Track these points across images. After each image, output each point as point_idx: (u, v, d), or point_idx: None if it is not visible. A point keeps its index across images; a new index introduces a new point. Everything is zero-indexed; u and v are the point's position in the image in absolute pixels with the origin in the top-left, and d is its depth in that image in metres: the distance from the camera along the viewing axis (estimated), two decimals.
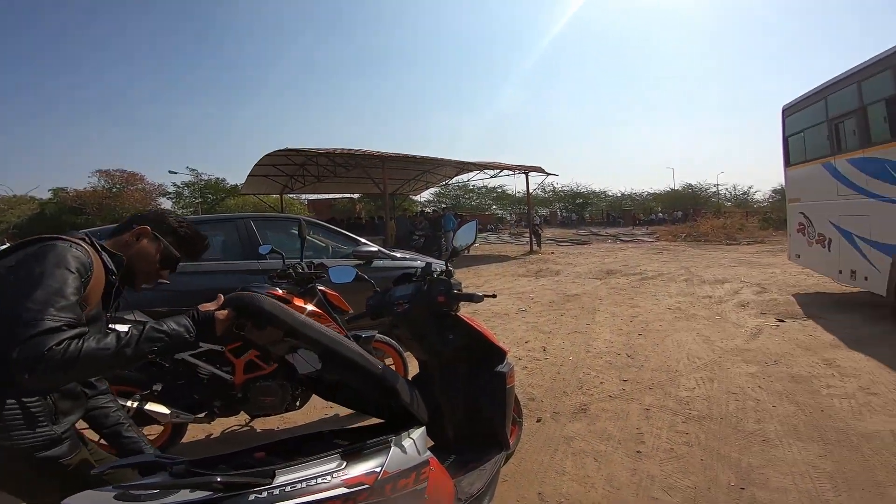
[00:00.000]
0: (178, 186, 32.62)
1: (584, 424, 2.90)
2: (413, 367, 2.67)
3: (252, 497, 1.08)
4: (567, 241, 20.80)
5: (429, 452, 1.48)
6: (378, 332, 3.20)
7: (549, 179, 21.04)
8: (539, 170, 16.82)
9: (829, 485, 2.18)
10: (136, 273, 1.37)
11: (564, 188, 44.59)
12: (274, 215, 8.21)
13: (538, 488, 2.25)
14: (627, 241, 20.47)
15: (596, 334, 4.92)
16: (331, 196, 26.91)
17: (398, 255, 5.07)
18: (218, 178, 33.15)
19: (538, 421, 2.97)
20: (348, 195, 28.48)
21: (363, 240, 5.04)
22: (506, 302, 6.96)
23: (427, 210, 21.75)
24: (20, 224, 29.99)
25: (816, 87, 6.17)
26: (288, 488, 1.12)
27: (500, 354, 2.06)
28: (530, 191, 18.16)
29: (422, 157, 14.75)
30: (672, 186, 45.75)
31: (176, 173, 29.79)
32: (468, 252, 15.50)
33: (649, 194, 46.51)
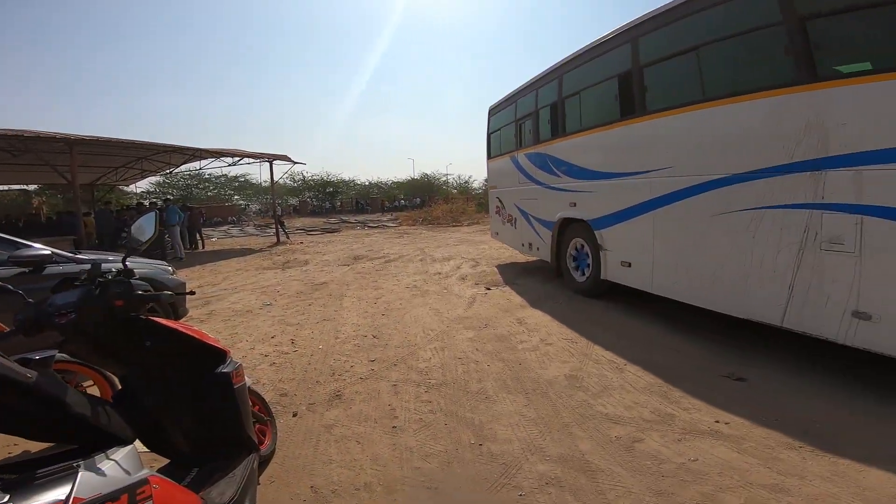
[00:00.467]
0: None
1: (340, 410, 2.94)
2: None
3: None
4: (317, 230, 20.66)
5: (146, 470, 1.33)
6: (59, 353, 2.50)
7: (298, 168, 20.40)
8: (285, 158, 16.04)
9: (536, 431, 2.57)
10: None
11: (314, 177, 44.02)
12: None
13: (309, 482, 2.21)
14: (374, 227, 21.76)
15: (344, 319, 5.06)
16: None
17: (88, 257, 4.03)
18: None
19: (294, 415, 2.89)
20: (19, 187, 21.05)
21: (32, 243, 3.79)
22: (249, 298, 6.44)
23: (144, 202, 17.97)
24: None
25: (512, 91, 7.50)
26: None
27: (218, 355, 1.90)
28: (276, 179, 17.17)
29: (131, 142, 11.99)
30: (412, 175, 50.71)
31: None
32: (203, 246, 13.62)
33: (393, 183, 50.39)
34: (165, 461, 1.76)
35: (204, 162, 16.92)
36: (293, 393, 3.23)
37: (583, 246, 5.70)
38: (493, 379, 3.34)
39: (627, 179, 4.63)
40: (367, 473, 2.30)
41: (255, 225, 26.07)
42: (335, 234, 18.95)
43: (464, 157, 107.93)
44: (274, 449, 2.36)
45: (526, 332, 4.40)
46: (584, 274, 5.73)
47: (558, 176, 6.01)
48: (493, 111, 8.42)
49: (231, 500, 1.63)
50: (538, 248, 6.85)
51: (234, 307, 5.88)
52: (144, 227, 1.86)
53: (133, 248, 1.81)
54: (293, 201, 42.64)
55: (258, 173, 46.11)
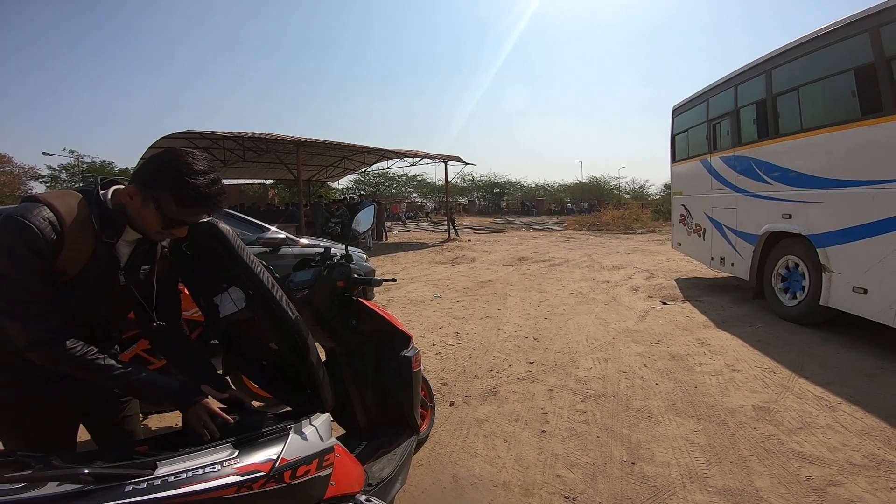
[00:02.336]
0: (55, 170, 28.60)
1: (494, 407, 3.01)
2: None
3: (129, 488, 1.02)
4: (484, 229, 21.45)
5: (334, 439, 1.47)
6: None
7: (468, 169, 21.58)
8: (458, 159, 17.06)
9: (703, 459, 2.37)
10: (145, 233, 1.20)
11: (483, 178, 45.82)
12: None
13: (452, 470, 2.32)
14: (539, 229, 21.60)
15: (506, 319, 5.15)
16: (240, 182, 25.09)
17: (305, 241, 4.91)
18: (104, 162, 29.56)
19: (451, 405, 3.04)
20: (260, 181, 26.78)
21: (272, 227, 4.80)
22: (422, 289, 7.02)
23: (346, 197, 21.15)
24: None
25: (702, 89, 6.76)
26: (171, 478, 1.07)
27: (404, 339, 2.08)
28: (449, 179, 18.40)
29: (339, 144, 14.25)
30: (580, 179, 48.96)
31: (52, 155, 26.03)
32: (386, 238, 15.37)
33: (560, 185, 49.36)
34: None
35: (390, 161, 19.07)
36: (453, 383, 3.39)
37: (797, 265, 4.75)
38: (661, 398, 3.07)
39: (873, 189, 3.67)
40: (507, 472, 2.31)
41: (429, 221, 28.32)
42: (500, 234, 19.41)
43: (638, 160, 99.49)
44: (429, 434, 2.51)
45: (708, 355, 3.89)
46: (795, 297, 4.78)
47: (767, 183, 5.09)
48: (679, 111, 7.60)
49: (389, 476, 1.76)
50: (732, 264, 5.92)
51: (409, 296, 6.49)
52: (363, 220, 2.13)
53: (353, 237, 2.09)
54: (462, 200, 45.10)
55: (433, 173, 49.95)
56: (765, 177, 5.15)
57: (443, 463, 2.39)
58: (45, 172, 28.62)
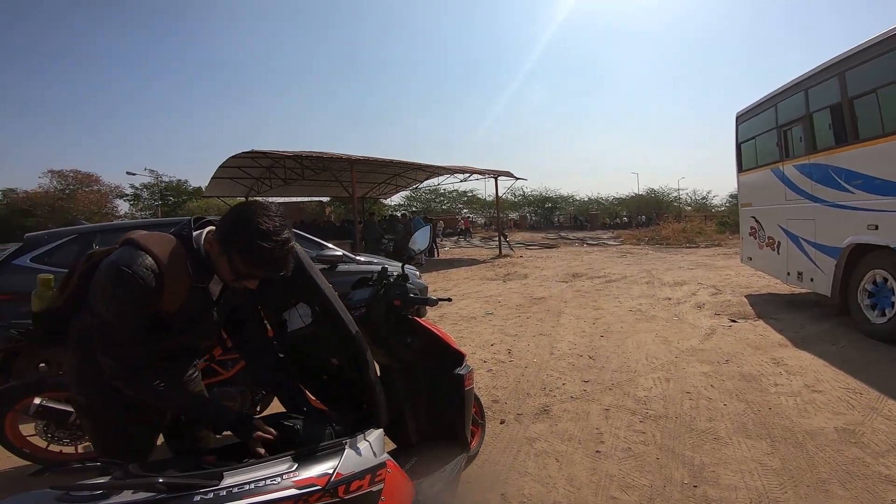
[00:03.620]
0: (137, 188, 31.48)
1: (546, 425, 2.94)
2: None
3: (197, 498, 1.07)
4: (536, 245, 21.14)
5: (386, 455, 1.49)
6: None
7: (519, 184, 21.43)
8: (508, 174, 17.03)
9: (777, 482, 2.25)
10: (222, 279, 1.30)
11: (534, 192, 45.32)
12: None
13: (501, 489, 2.27)
14: (594, 244, 21.00)
15: (560, 336, 5.01)
16: (299, 199, 26.39)
17: (362, 259, 5.04)
18: (180, 180, 32.17)
19: (501, 423, 3.00)
20: (317, 199, 28.03)
21: (329, 245, 4.98)
22: (473, 305, 7.00)
23: (397, 214, 21.65)
24: None
25: (767, 95, 6.41)
26: (235, 489, 1.12)
27: (458, 357, 2.08)
28: (500, 195, 18.36)
29: (391, 161, 14.66)
30: (636, 191, 47.21)
31: (134, 174, 28.65)
32: (437, 255, 15.52)
33: (615, 199, 47.84)
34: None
35: (441, 178, 19.35)
36: (504, 401, 3.34)
37: (886, 280, 4.33)
38: (729, 420, 2.90)
39: None
40: (558, 492, 2.23)
41: (480, 237, 28.33)
42: (553, 249, 19.06)
43: (698, 170, 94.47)
44: (478, 451, 2.47)
45: (784, 375, 3.62)
46: (884, 314, 4.37)
47: (849, 192, 4.69)
48: (743, 118, 7.21)
49: (438, 493, 1.76)
50: (812, 279, 5.45)
51: (461, 312, 6.49)
52: (419, 240, 2.19)
53: (410, 256, 2.15)
54: (513, 215, 44.78)
55: (483, 189, 50.18)
56: (846, 185, 4.74)
57: (491, 481, 2.35)
58: (129, 191, 31.53)
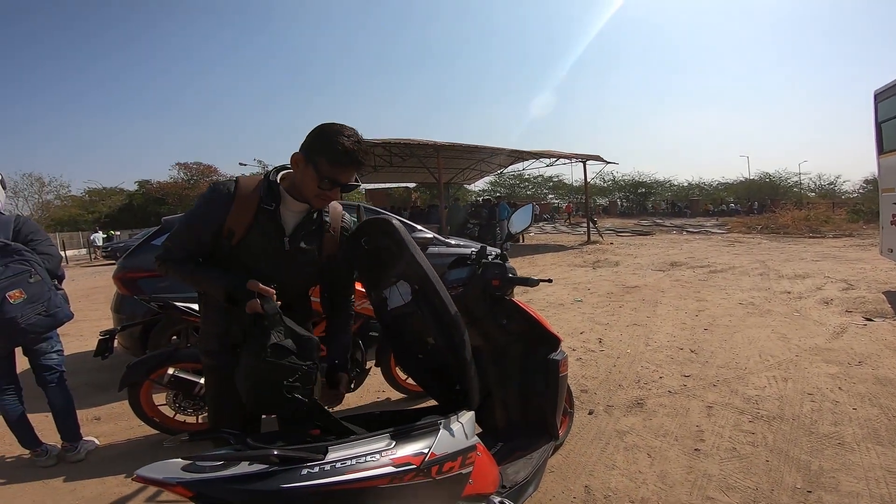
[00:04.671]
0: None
1: (639, 419, 2.80)
2: None
3: (304, 471, 1.11)
4: (627, 231, 19.97)
5: (476, 438, 1.48)
6: None
7: (609, 168, 20.19)
8: (597, 158, 16.20)
9: None
10: (307, 199, 1.39)
11: (625, 177, 42.65)
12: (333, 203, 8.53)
13: (585, 481, 2.21)
14: (695, 232, 19.31)
15: (657, 328, 4.71)
16: (388, 185, 27.43)
17: (453, 241, 5.10)
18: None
19: (590, 413, 2.90)
20: (405, 184, 28.89)
21: (419, 227, 5.11)
22: (561, 292, 6.81)
23: (482, 199, 21.64)
24: (112, 214, 33.19)
25: None
26: (338, 464, 1.15)
27: (554, 342, 2.02)
28: (588, 180, 17.53)
29: (476, 146, 14.65)
30: (746, 175, 42.45)
31: (245, 165, 31.57)
32: (522, 240, 15.30)
33: (720, 184, 43.47)
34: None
35: (526, 163, 18.92)
36: (594, 391, 3.23)
37: None
38: (858, 425, 2.58)
39: None
40: (648, 489, 2.11)
41: (567, 223, 27.41)
42: (647, 236, 17.86)
43: (827, 153, 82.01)
44: (564, 441, 2.40)
45: None
46: None
47: None
48: (883, 96, 6.33)
49: (523, 480, 1.72)
50: None
51: (548, 299, 6.35)
52: (517, 221, 2.12)
53: (510, 236, 2.10)
54: (602, 201, 42.62)
55: (570, 174, 48.17)
56: None
57: (575, 472, 2.28)
58: None
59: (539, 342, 2.00)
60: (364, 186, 30.10)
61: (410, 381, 3.20)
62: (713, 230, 19.84)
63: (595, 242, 15.26)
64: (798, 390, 3.09)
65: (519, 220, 2.14)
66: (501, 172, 23.17)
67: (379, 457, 1.21)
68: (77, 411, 2.68)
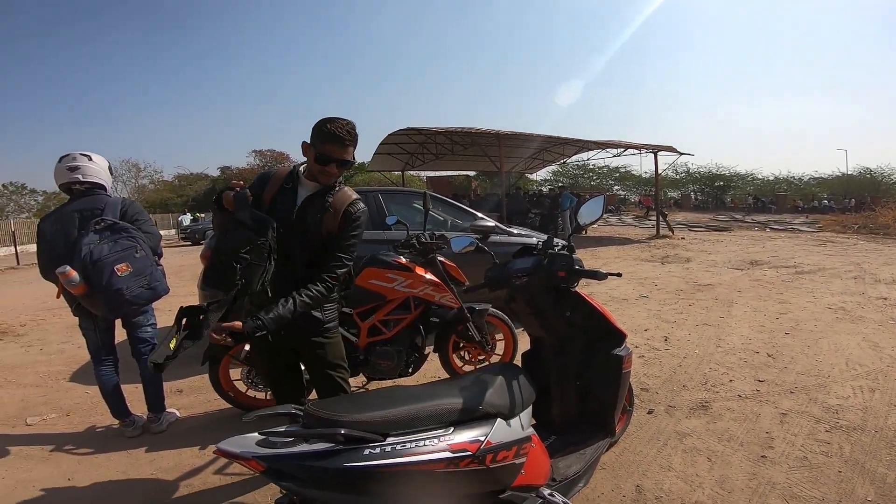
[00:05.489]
0: None
1: (702, 422, 2.69)
2: (524, 345, 2.67)
3: (366, 451, 1.17)
4: (701, 227, 18.74)
5: (532, 429, 1.50)
6: (491, 307, 3.23)
7: (683, 159, 18.92)
8: (670, 149, 15.28)
9: None
10: (315, 177, 1.75)
11: (700, 169, 39.87)
12: (399, 189, 8.64)
13: (637, 480, 2.16)
14: (780, 229, 17.73)
15: (731, 329, 4.44)
16: (449, 173, 27.57)
17: (515, 230, 5.07)
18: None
19: (649, 412, 2.83)
20: (465, 173, 28.89)
21: (481, 214, 5.12)
22: (625, 286, 6.57)
23: (544, 189, 21.20)
24: (197, 197, 36.05)
25: None
26: (398, 446, 1.20)
27: (618, 337, 1.97)
28: (659, 171, 16.60)
29: (538, 135, 14.36)
30: (843, 170, 38.23)
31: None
32: (585, 232, 14.85)
33: (812, 178, 39.50)
34: None
35: (591, 152, 18.25)
36: (655, 390, 3.12)
37: None
38: None
39: None
40: (704, 493, 2.04)
41: (633, 216, 26.22)
42: (724, 232, 16.65)
43: None
44: (620, 438, 2.33)
45: None
46: None
47: None
48: None
49: (575, 474, 1.70)
50: None
51: (611, 293, 6.15)
52: (587, 213, 2.07)
53: (579, 227, 2.10)
54: (674, 194, 40.22)
55: (639, 164, 45.93)
56: None
57: (628, 471, 2.23)
58: None
59: (603, 336, 1.96)
60: (425, 174, 30.55)
61: (467, 368, 3.26)
62: (802, 228, 18.11)
63: (665, 237, 14.47)
64: (886, 402, 2.83)
65: (589, 211, 2.08)
66: (565, 162, 22.49)
67: (437, 441, 1.25)
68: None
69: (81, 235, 2.39)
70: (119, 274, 2.38)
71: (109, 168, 2.75)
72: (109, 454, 2.57)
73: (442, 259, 3.07)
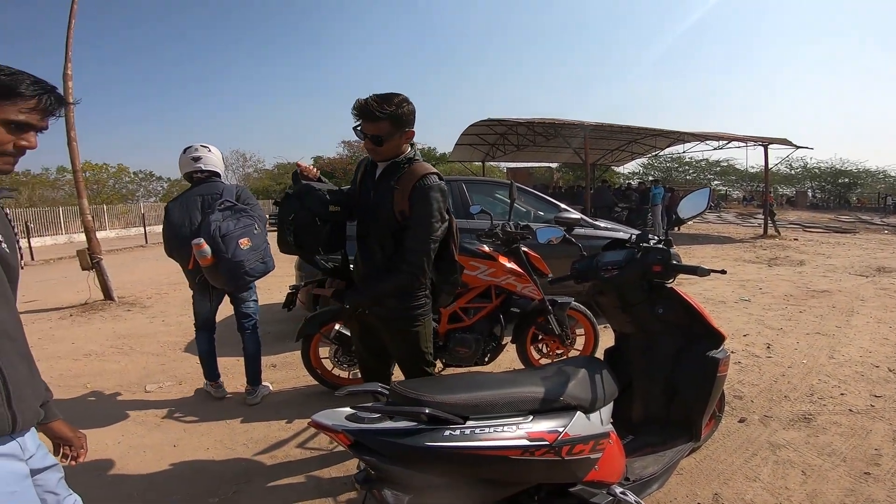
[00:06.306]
0: None
1: (802, 434, 2.49)
2: (606, 340, 2.61)
3: (447, 432, 1.21)
4: (819, 227, 16.63)
5: (611, 426, 1.49)
6: (574, 300, 3.18)
7: (798, 154, 16.63)
8: (784, 142, 13.63)
9: None
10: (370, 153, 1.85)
11: (821, 164, 35.13)
12: (482, 179, 8.60)
13: (717, 488, 2.04)
14: None
15: (848, 340, 3.97)
16: (529, 164, 27.05)
17: (601, 224, 4.90)
18: (430, 147, 36.70)
19: (741, 421, 2.65)
20: (547, 164, 28.16)
21: (564, 206, 5.01)
22: (723, 287, 6.08)
23: (632, 182, 20.04)
24: (293, 186, 39.00)
25: None
26: (477, 430, 1.23)
27: (716, 338, 1.86)
28: (770, 166, 14.88)
29: (629, 127, 13.57)
30: None
31: (413, 145, 34.28)
32: (678, 228, 13.83)
33: None
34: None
35: (688, 145, 16.89)
36: (750, 399, 2.92)
37: None
38: None
39: None
40: None
41: (736, 213, 23.93)
42: (847, 234, 14.63)
43: None
44: (703, 444, 2.22)
45: None
46: None
47: None
48: None
49: (650, 476, 1.65)
50: None
51: (706, 294, 5.73)
52: (688, 207, 1.94)
53: (678, 221, 1.96)
54: (787, 191, 35.94)
55: (744, 158, 41.57)
56: None
57: (707, 478, 2.12)
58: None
59: (699, 336, 1.85)
60: (506, 165, 30.23)
61: (543, 361, 3.24)
62: None
63: (773, 237, 13.07)
64: None
65: (691, 204, 1.92)
66: (657, 154, 21.06)
67: (515, 428, 1.27)
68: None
69: (207, 214, 2.71)
70: (242, 247, 2.64)
71: (222, 158, 3.08)
72: (210, 423, 2.80)
73: (526, 249, 3.06)
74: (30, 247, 12.94)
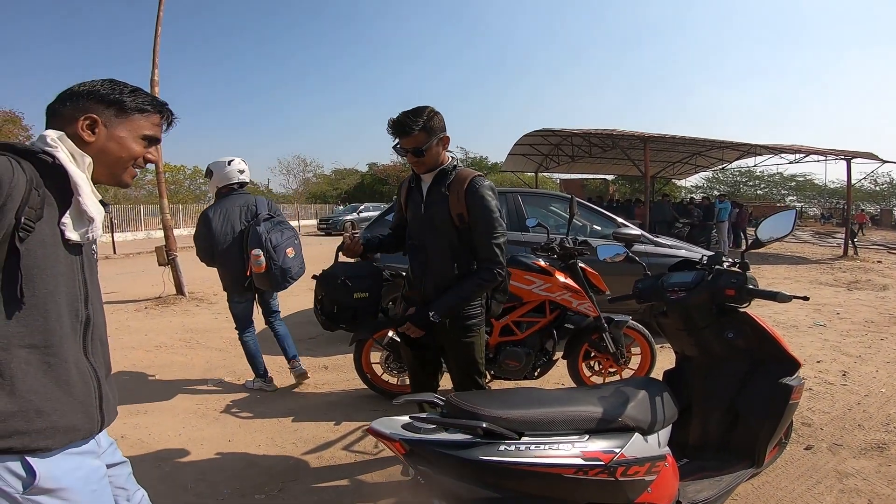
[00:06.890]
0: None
1: (873, 464, 2.34)
2: (663, 362, 2.53)
3: (502, 447, 1.21)
4: None
5: (668, 448, 1.46)
6: (631, 319, 3.11)
7: (884, 169, 15.04)
8: (869, 156, 12.48)
9: None
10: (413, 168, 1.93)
11: None
12: (538, 191, 8.49)
13: None
14: None
15: None
16: (584, 176, 26.38)
17: (664, 241, 4.70)
18: (482, 157, 36.70)
19: (807, 448, 2.52)
20: (602, 176, 27.37)
21: (622, 220, 4.87)
22: (796, 311, 5.67)
23: (695, 196, 19.07)
24: (348, 191, 40.22)
25: None
26: (532, 447, 1.23)
27: (791, 365, 1.78)
28: (853, 182, 13.63)
29: (692, 139, 12.92)
30: None
31: (451, 153, 34.48)
32: (720, 245, 13.01)
33: None
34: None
35: (760, 158, 15.89)
36: (819, 427, 2.76)
37: None
38: None
39: None
40: None
41: (812, 232, 22.20)
42: None
43: None
44: (763, 470, 2.08)
45: None
46: None
47: None
48: None
49: (704, 501, 1.60)
50: None
51: (777, 317, 5.37)
52: (769, 228, 1.83)
53: (758, 242, 1.83)
54: (869, 209, 32.94)
55: (822, 172, 38.43)
56: None
57: (765, 503, 2.03)
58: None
59: (770, 363, 1.78)
60: (558, 176, 29.63)
61: (595, 378, 3.18)
62: None
63: (854, 258, 12.01)
64: None
65: (772, 227, 1.80)
66: (724, 168, 19.91)
67: (571, 447, 1.26)
68: (310, 358, 3.44)
69: (253, 225, 3.00)
70: (289, 256, 2.95)
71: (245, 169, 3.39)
72: (263, 420, 2.92)
73: (583, 266, 3.01)
74: (112, 241, 13.60)
